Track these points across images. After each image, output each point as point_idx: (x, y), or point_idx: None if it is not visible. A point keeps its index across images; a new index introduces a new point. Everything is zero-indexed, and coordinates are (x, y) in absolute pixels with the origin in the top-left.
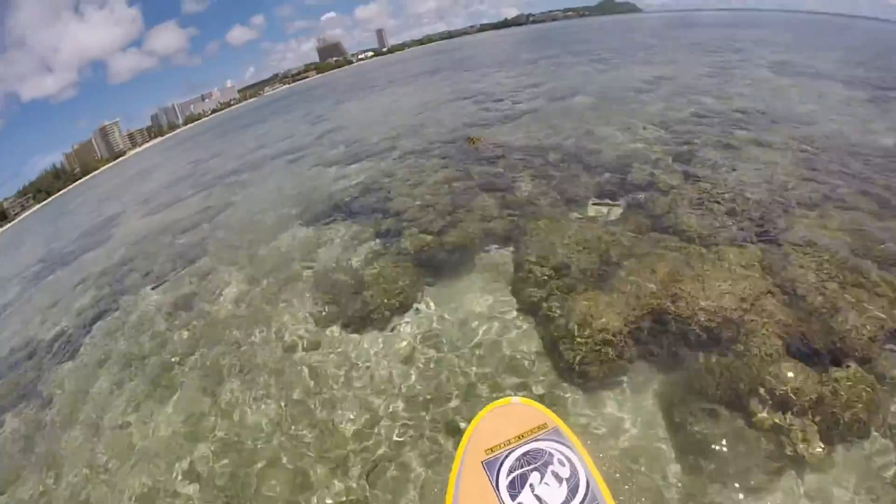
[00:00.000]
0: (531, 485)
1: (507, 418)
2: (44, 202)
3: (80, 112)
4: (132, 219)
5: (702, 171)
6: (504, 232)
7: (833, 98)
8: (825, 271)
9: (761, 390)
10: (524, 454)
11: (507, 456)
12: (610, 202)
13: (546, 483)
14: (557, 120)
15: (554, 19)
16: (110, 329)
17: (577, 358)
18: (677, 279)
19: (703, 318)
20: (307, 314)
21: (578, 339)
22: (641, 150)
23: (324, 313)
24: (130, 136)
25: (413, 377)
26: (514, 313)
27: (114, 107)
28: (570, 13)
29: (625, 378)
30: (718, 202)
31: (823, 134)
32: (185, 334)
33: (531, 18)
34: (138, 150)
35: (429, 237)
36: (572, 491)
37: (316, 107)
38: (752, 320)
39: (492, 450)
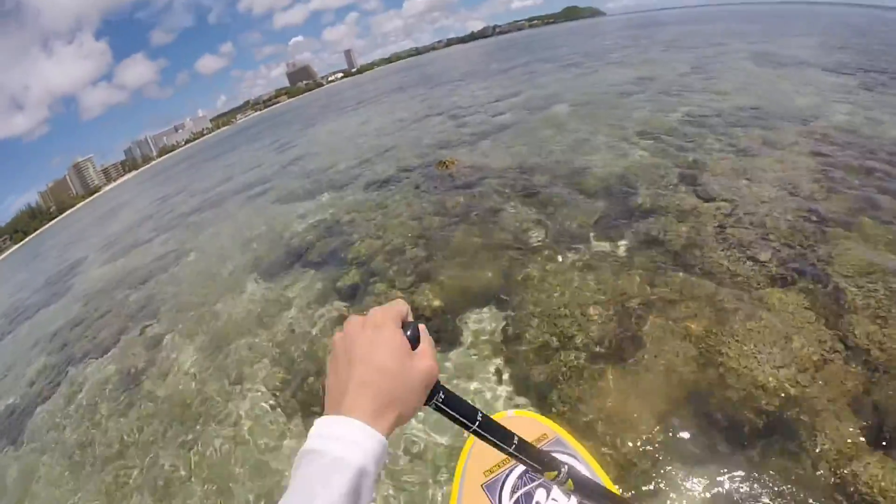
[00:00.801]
0: (538, 502)
1: None
2: (21, 242)
3: (53, 149)
4: (92, 266)
5: (715, 187)
6: (489, 286)
7: (826, 87)
8: (883, 309)
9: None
10: (526, 471)
11: (507, 475)
12: (615, 236)
13: (553, 499)
14: (539, 133)
15: (520, 29)
16: (55, 409)
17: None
18: (717, 342)
19: (758, 401)
20: (266, 405)
21: (604, 449)
22: (640, 164)
23: (284, 402)
24: (105, 171)
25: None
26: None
27: (87, 142)
28: (535, 21)
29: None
30: (744, 226)
31: (832, 127)
32: (130, 423)
33: (497, 30)
34: (113, 184)
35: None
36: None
37: (285, 133)
38: (814, 397)
39: (490, 471)
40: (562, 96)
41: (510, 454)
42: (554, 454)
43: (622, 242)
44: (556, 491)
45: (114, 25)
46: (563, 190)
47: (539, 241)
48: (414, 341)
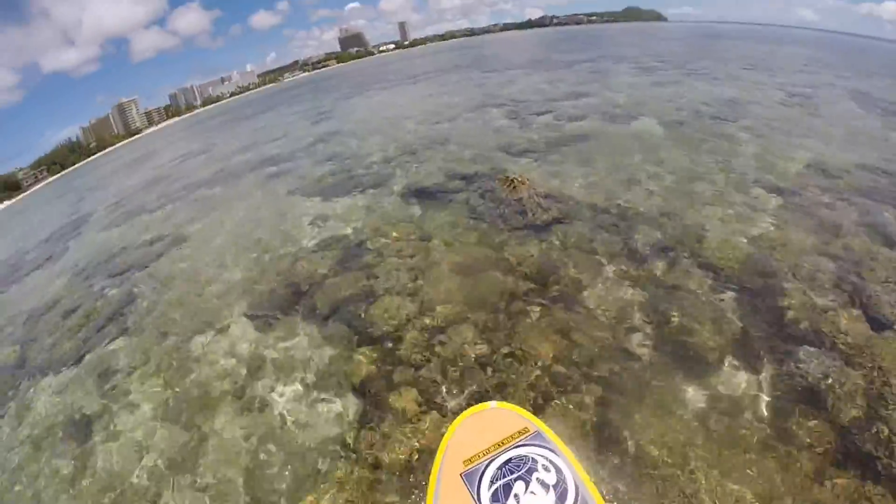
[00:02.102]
0: (516, 495)
1: (484, 425)
2: (58, 174)
3: (99, 87)
4: (93, 229)
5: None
6: (586, 422)
7: None
8: None
9: None
10: (506, 462)
11: (487, 466)
12: (754, 365)
13: (532, 492)
14: (627, 157)
15: (578, 23)
16: None
17: None
18: None
19: None
20: None
21: None
22: (775, 238)
23: None
24: (147, 114)
25: None
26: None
27: (133, 84)
28: (594, 17)
29: None
30: None
31: None
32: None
33: (555, 20)
34: (154, 128)
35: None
36: (561, 497)
37: (325, 100)
38: None
39: (470, 460)
40: (645, 107)
41: None
42: (532, 448)
43: (763, 373)
44: (534, 484)
45: None
46: (677, 265)
47: (646, 353)
48: None
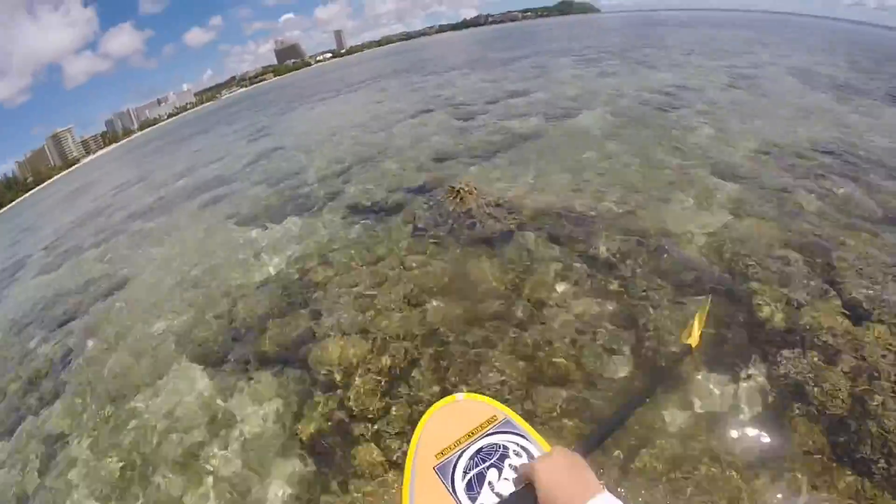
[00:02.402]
0: (490, 483)
1: (454, 417)
2: None
3: (34, 118)
4: (27, 277)
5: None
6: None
7: None
8: None
9: None
10: (477, 452)
11: (459, 457)
12: (733, 372)
13: (505, 478)
14: (575, 154)
15: (513, 19)
16: None
17: None
18: None
19: None
20: None
21: None
22: (738, 231)
23: None
24: (84, 142)
25: None
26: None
27: (69, 112)
28: (528, 13)
29: None
30: None
31: None
32: None
33: (490, 19)
34: (92, 157)
35: None
36: None
37: (263, 116)
38: None
39: (442, 453)
40: (589, 101)
41: None
42: (502, 435)
43: (745, 403)
44: (507, 471)
45: None
46: (641, 270)
47: (619, 371)
48: None
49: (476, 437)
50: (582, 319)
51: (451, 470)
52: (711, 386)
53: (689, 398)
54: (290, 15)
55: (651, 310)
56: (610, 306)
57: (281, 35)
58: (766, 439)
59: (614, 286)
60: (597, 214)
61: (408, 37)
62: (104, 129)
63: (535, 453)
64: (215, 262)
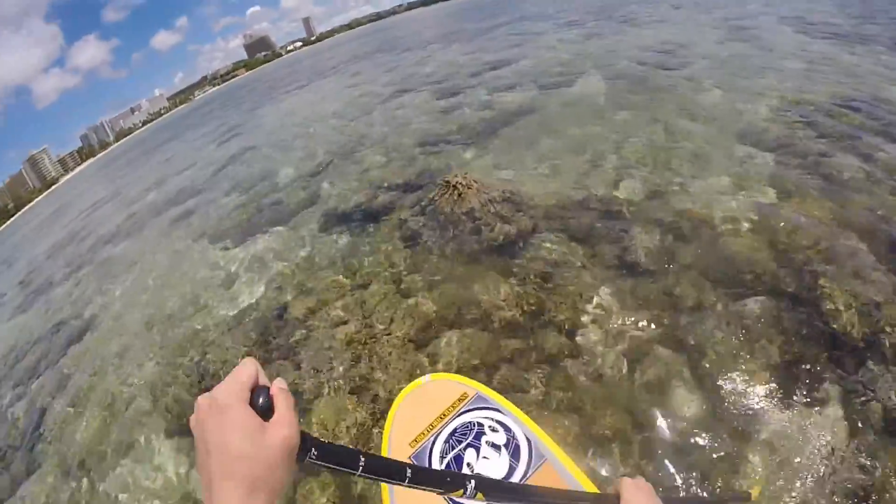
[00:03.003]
0: (469, 464)
1: (423, 401)
2: None
3: (8, 142)
4: (2, 318)
5: None
6: None
7: None
8: None
9: None
10: (452, 433)
11: (434, 441)
12: (811, 397)
13: (485, 457)
14: (580, 128)
15: None
16: None
17: None
18: None
19: None
20: None
21: None
22: (785, 212)
23: None
24: (62, 161)
25: None
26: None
27: (44, 131)
28: None
29: None
30: None
31: None
32: None
33: None
34: (70, 174)
35: None
36: (514, 455)
37: (234, 114)
38: None
39: (416, 440)
40: (581, 67)
41: (408, 485)
42: (475, 412)
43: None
44: (485, 448)
45: (63, 7)
46: (684, 272)
47: (681, 409)
48: (266, 410)
49: (449, 418)
50: (625, 347)
51: (427, 456)
52: (791, 424)
53: (772, 441)
54: (257, 7)
55: (707, 329)
56: (656, 326)
57: (249, 29)
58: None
59: (657, 298)
60: (620, 203)
61: (378, 17)
62: (80, 144)
63: (512, 426)
64: (185, 296)
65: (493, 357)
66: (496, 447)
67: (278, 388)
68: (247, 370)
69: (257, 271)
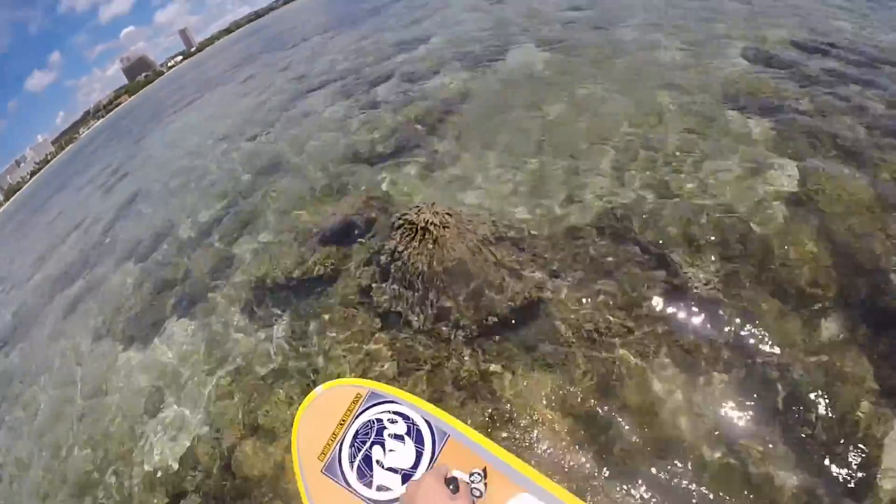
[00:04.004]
0: (378, 461)
1: (320, 412)
2: None
3: None
4: None
5: None
6: None
7: None
8: None
9: None
10: (355, 437)
11: (340, 448)
12: None
13: (391, 450)
14: (542, 114)
15: None
16: None
17: None
18: None
19: None
20: None
21: None
22: (818, 194)
23: None
24: None
25: None
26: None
27: None
28: None
29: None
30: None
31: None
32: None
33: None
34: None
35: None
36: (418, 440)
37: (119, 150)
38: None
39: (324, 452)
40: (506, 35)
41: None
42: (371, 409)
43: None
44: (390, 442)
45: None
46: (752, 301)
47: None
48: (455, 490)
49: (348, 422)
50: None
51: (337, 466)
52: None
53: None
54: (130, 28)
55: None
56: (747, 394)
57: (126, 52)
58: None
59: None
60: (639, 214)
61: (257, 16)
62: None
63: (410, 413)
64: (80, 448)
65: None
66: (399, 437)
67: (464, 481)
68: (441, 473)
69: (168, 382)
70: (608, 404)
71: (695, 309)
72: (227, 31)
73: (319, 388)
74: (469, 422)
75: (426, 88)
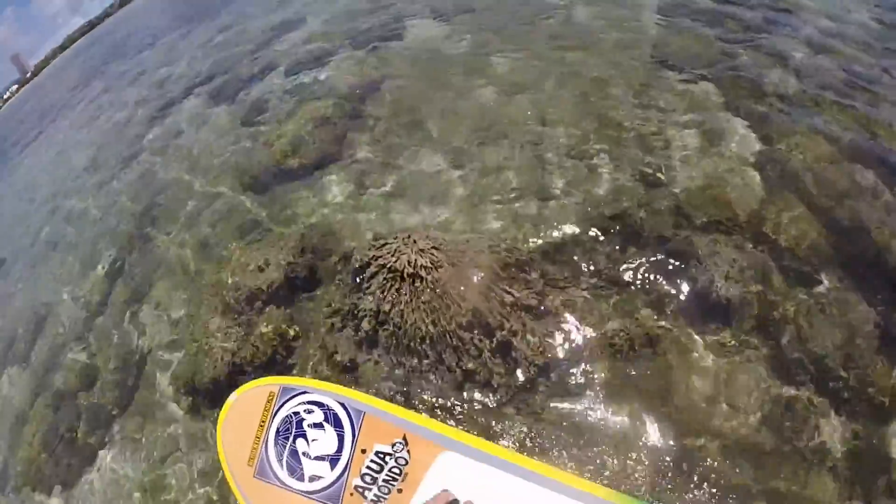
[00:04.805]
0: (304, 453)
1: (239, 419)
2: None
3: None
4: None
5: None
6: None
7: None
8: None
9: None
10: (277, 434)
11: (266, 449)
12: None
13: (313, 439)
14: (469, 94)
15: None
16: None
17: None
18: None
19: None
20: None
21: None
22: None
23: None
24: None
25: None
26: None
27: None
28: None
29: None
30: None
31: None
32: None
33: None
34: None
35: None
36: (336, 424)
37: None
38: None
39: (251, 457)
40: (392, 9)
41: None
42: (287, 404)
43: None
44: (311, 432)
45: None
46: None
47: None
48: None
49: (268, 422)
50: None
51: (267, 467)
52: None
53: None
54: None
55: None
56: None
57: None
58: None
59: None
60: (627, 207)
61: (92, 25)
62: None
63: (323, 399)
64: None
65: None
66: (319, 426)
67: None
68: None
69: None
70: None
71: (721, 300)
72: (63, 47)
73: (233, 396)
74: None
75: (321, 80)
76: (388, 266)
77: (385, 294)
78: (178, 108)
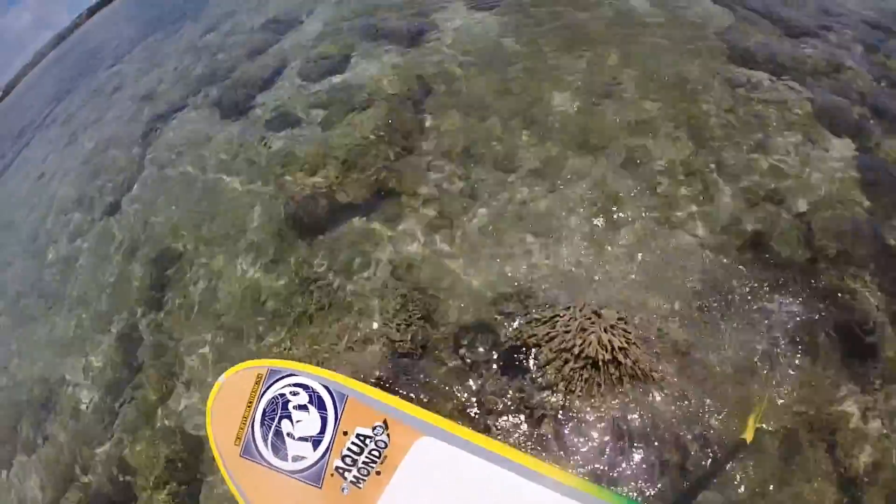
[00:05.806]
0: (289, 434)
1: (228, 400)
2: None
3: None
4: None
5: None
6: None
7: None
8: None
9: None
10: (263, 415)
11: (252, 429)
12: None
13: (298, 420)
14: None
15: None
16: None
17: None
18: None
19: None
20: None
21: None
22: None
23: None
24: None
25: None
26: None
27: None
28: None
29: None
30: None
31: None
32: None
33: None
34: None
35: None
36: (320, 407)
37: None
38: None
39: (238, 437)
40: None
41: None
42: (273, 386)
43: None
44: (296, 413)
45: None
46: None
47: None
48: None
49: (255, 403)
50: None
51: (253, 446)
52: None
53: None
54: None
55: None
56: None
57: None
58: None
59: None
60: (759, 235)
61: (61, 38)
62: None
63: (308, 382)
64: None
65: None
66: (304, 407)
67: None
68: None
69: None
70: None
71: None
72: (33, 64)
73: (222, 378)
74: None
75: (351, 83)
76: (575, 351)
77: (574, 389)
78: (174, 122)
